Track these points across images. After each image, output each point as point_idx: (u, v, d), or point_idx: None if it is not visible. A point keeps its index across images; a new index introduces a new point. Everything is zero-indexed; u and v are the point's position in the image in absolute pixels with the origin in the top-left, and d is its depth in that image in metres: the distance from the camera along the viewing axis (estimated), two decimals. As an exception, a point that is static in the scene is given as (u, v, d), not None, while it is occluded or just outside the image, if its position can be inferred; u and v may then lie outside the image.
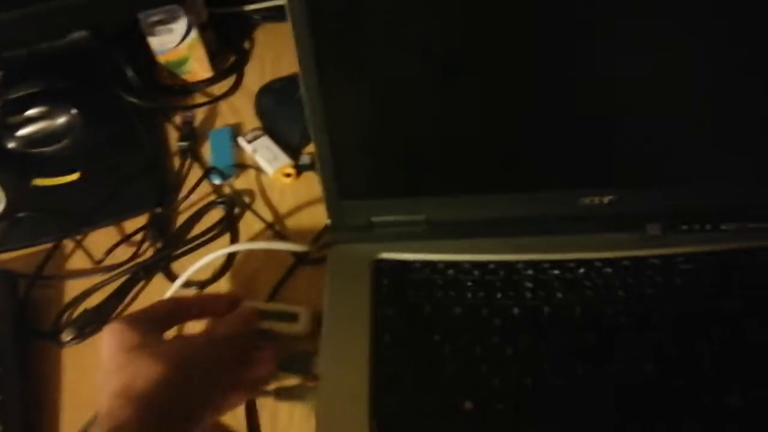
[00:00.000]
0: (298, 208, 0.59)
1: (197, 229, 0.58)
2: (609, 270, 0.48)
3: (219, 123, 0.67)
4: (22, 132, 0.62)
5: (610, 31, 0.41)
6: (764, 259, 0.48)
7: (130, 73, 0.65)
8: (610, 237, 0.49)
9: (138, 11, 0.61)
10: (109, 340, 0.40)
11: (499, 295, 0.47)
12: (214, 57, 0.70)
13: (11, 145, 0.62)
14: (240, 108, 0.68)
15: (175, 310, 0.45)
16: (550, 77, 0.43)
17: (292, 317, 0.49)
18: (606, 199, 0.49)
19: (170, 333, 0.44)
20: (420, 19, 0.41)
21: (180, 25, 0.65)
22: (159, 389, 0.37)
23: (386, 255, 0.50)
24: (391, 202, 0.51)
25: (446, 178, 0.50)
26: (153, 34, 0.65)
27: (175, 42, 0.66)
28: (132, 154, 0.62)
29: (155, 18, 0.64)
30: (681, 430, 0.41)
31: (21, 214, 0.59)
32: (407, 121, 0.46)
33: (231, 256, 0.55)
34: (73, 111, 0.62)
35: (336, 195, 0.50)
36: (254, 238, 0.57)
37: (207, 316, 0.47)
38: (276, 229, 0.57)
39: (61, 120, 0.62)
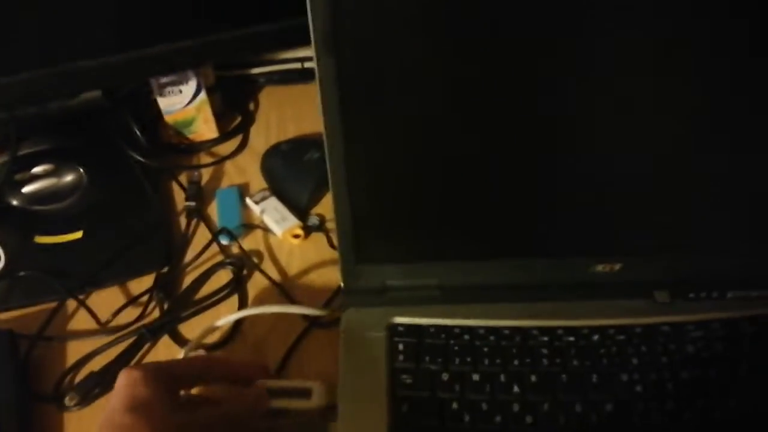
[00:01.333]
0: (307, 270, 0.59)
1: (205, 290, 0.57)
2: (622, 337, 0.48)
3: (225, 183, 0.67)
4: (27, 189, 0.61)
5: (616, 115, 0.43)
6: (769, 327, 0.49)
7: (137, 132, 0.65)
8: (621, 303, 0.50)
9: (156, 76, 0.61)
10: (122, 387, 0.39)
11: (516, 362, 0.47)
12: (219, 118, 0.71)
13: (14, 202, 0.61)
14: (246, 168, 0.68)
15: (203, 371, 0.44)
16: (564, 153, 0.45)
17: (305, 393, 0.47)
18: (615, 267, 0.51)
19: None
20: (443, 90, 0.42)
21: (189, 87, 0.66)
22: None
23: (400, 319, 0.50)
24: (406, 267, 0.51)
25: (460, 245, 0.50)
26: (162, 95, 0.66)
27: (183, 103, 0.67)
28: (138, 213, 0.62)
29: (165, 79, 0.65)
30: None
31: (22, 273, 0.57)
32: (425, 188, 0.47)
33: (240, 319, 0.55)
34: (80, 169, 0.61)
35: (352, 258, 0.50)
36: (263, 300, 0.57)
37: (231, 382, 0.46)
38: (285, 290, 0.57)
39: (68, 178, 0.61)
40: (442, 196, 0.48)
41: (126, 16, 0.53)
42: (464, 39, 0.40)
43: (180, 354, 0.52)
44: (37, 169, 0.61)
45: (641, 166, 0.46)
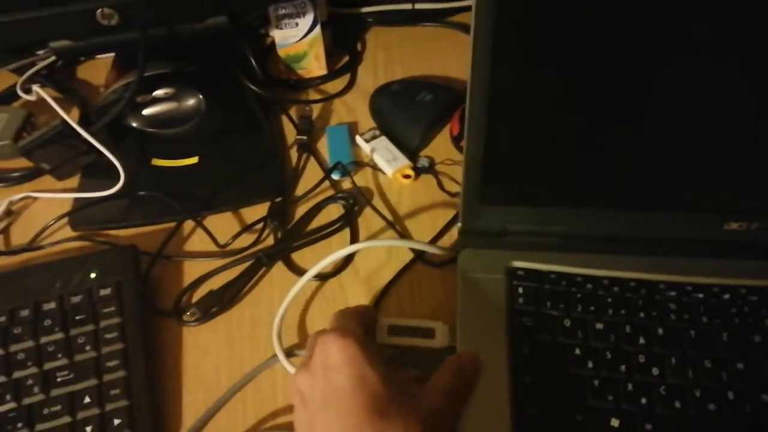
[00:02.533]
0: (416, 210, 0.58)
1: (315, 223, 0.58)
2: (755, 298, 0.46)
3: (334, 120, 0.67)
4: (148, 111, 0.62)
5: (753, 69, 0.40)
6: None
7: (253, 63, 0.65)
8: (755, 264, 0.48)
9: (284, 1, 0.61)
10: (343, 364, 0.37)
11: (641, 314, 0.46)
12: (328, 56, 0.70)
13: (134, 123, 0.62)
14: (354, 107, 0.68)
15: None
16: (705, 105, 0.43)
17: (428, 333, 0.48)
18: (752, 226, 0.48)
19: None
20: (595, 38, 0.40)
21: (306, 20, 0.66)
22: None
23: (520, 263, 0.49)
24: (529, 211, 0.50)
25: (588, 192, 0.49)
26: (279, 27, 0.66)
27: (298, 36, 0.67)
28: (251, 142, 0.63)
29: (284, 11, 0.65)
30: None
31: (142, 193, 0.59)
32: (563, 132, 0.45)
33: (352, 252, 0.55)
34: (199, 95, 0.62)
35: (476, 197, 0.49)
36: (373, 235, 0.57)
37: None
38: (396, 228, 0.57)
39: (187, 103, 0.62)
40: (576, 142, 0.46)
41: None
42: None
43: (296, 280, 0.52)
44: (158, 92, 0.62)
45: None
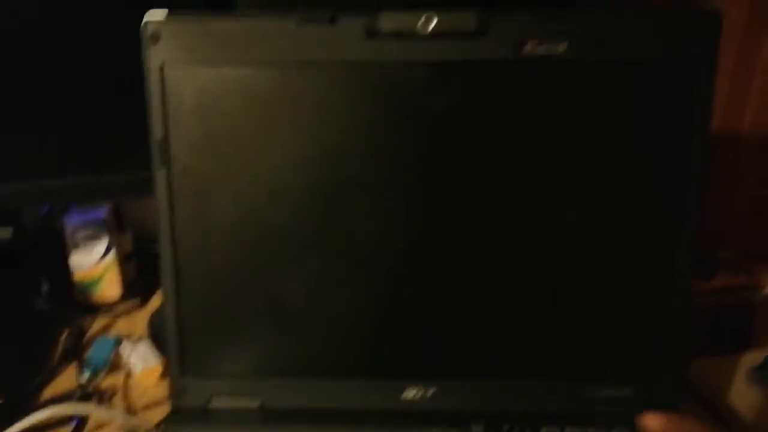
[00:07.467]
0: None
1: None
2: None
3: (113, 332, 0.72)
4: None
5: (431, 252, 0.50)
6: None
7: (45, 288, 0.73)
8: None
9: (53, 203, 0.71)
10: None
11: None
12: (132, 284, 0.79)
13: None
14: (136, 322, 0.74)
15: None
16: (379, 281, 0.51)
17: None
18: (428, 393, 0.52)
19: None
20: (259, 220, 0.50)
21: (100, 247, 0.75)
22: None
23: (219, 438, 0.51)
24: (229, 384, 0.53)
25: (279, 368, 0.53)
26: (75, 254, 0.75)
27: (92, 264, 0.75)
28: (25, 354, 0.68)
29: (82, 234, 0.74)
30: None
31: None
32: (241, 317, 0.52)
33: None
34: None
35: (177, 370, 0.52)
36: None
37: None
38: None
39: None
40: (258, 327, 0.52)
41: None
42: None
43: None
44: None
45: (448, 293, 0.51)
